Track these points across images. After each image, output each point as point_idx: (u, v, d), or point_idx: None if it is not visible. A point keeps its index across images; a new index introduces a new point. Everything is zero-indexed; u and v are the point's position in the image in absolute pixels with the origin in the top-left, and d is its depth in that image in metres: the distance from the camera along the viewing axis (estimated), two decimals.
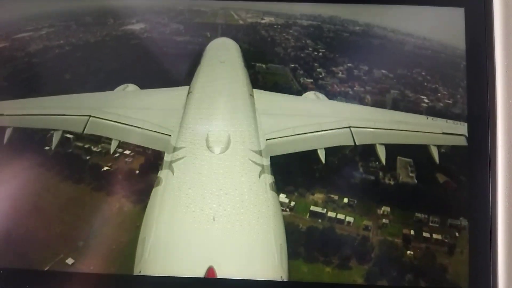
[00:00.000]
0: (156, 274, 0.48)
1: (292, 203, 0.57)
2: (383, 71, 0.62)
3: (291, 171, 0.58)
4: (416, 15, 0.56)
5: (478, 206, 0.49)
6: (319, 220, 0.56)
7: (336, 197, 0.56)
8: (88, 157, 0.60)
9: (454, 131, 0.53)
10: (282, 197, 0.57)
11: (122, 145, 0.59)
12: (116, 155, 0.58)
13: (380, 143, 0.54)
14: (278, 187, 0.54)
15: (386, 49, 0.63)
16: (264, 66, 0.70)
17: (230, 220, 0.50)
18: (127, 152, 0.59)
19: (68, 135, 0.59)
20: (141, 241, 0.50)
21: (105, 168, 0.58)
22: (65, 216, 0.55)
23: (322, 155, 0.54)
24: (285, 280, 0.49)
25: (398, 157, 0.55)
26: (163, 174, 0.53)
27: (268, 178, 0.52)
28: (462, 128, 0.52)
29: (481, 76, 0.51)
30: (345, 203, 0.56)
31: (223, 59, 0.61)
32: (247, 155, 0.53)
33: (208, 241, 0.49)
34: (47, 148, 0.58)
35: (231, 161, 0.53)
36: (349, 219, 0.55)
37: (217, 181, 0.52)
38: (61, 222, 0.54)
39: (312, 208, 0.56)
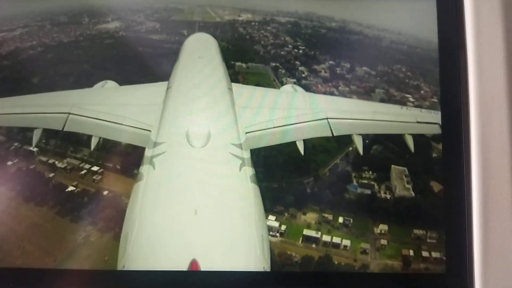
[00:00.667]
0: (140, 269, 0.49)
1: (283, 227, 0.56)
2: (365, 68, 0.62)
3: (281, 188, 0.57)
4: (390, 9, 0.57)
5: (453, 191, 0.50)
6: (313, 245, 0.54)
7: (330, 217, 0.55)
8: (52, 175, 0.57)
9: (428, 120, 0.54)
10: (272, 219, 0.56)
11: (90, 160, 0.57)
12: (83, 172, 0.57)
13: (357, 134, 0.55)
14: (266, 208, 0.53)
15: (365, 45, 0.64)
16: (244, 65, 0.69)
17: (212, 213, 0.50)
18: (95, 168, 0.57)
19: (32, 148, 0.58)
20: (124, 237, 0.50)
21: (70, 188, 0.56)
22: (27, 246, 0.52)
23: (301, 146, 0.55)
24: (267, 270, 0.49)
25: (392, 166, 0.56)
26: (144, 169, 0.53)
27: (249, 171, 0.53)
28: (435, 116, 0.53)
29: (453, 65, 0.52)
30: (340, 223, 0.55)
31: (201, 54, 0.61)
32: (227, 149, 0.54)
33: (190, 234, 0.49)
34: (9, 163, 0.56)
35: (212, 155, 0.53)
36: (346, 242, 0.54)
37: (198, 174, 0.52)
38: (22, 253, 0.51)
39: (305, 231, 0.55)
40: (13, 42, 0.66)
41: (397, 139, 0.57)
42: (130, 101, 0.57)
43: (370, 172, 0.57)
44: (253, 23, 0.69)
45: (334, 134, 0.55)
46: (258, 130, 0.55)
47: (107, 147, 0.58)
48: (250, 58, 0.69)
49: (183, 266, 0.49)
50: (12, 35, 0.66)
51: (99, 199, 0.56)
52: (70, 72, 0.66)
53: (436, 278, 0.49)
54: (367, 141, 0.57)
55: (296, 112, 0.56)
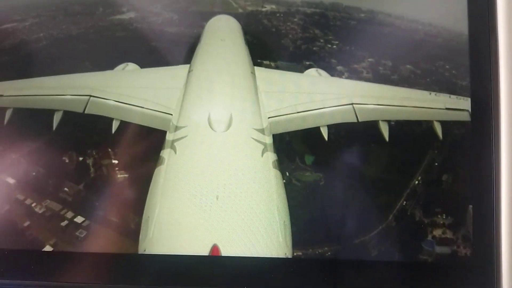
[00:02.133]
0: (161, 253, 0.49)
1: None
2: (408, 66, 0.59)
3: None
4: None
5: (482, 179, 0.49)
6: None
7: None
8: (27, 223, 0.52)
9: (457, 106, 0.52)
10: None
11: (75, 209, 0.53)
12: (64, 222, 0.53)
13: (383, 120, 0.54)
14: None
15: (399, 38, 0.60)
16: (273, 64, 0.64)
17: (234, 199, 0.50)
18: (78, 219, 0.52)
19: (10, 180, 0.54)
20: (145, 221, 0.50)
21: (47, 247, 0.50)
22: None
23: (325, 132, 0.54)
24: (289, 257, 0.49)
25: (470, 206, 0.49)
26: (165, 153, 0.53)
27: (271, 156, 0.52)
28: (465, 103, 0.51)
29: (484, 51, 0.51)
30: None
31: (223, 37, 0.60)
32: (249, 134, 0.53)
33: (212, 219, 0.49)
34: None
35: (234, 140, 0.53)
36: None
37: (220, 159, 0.52)
38: None
39: None
40: (21, 34, 0.64)
41: None
42: (151, 84, 0.56)
43: (444, 216, 0.50)
44: (277, 14, 0.66)
45: (360, 120, 0.54)
46: (281, 115, 0.55)
47: None
48: (278, 55, 0.64)
49: (204, 251, 0.49)
50: (22, 26, 0.64)
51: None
52: (67, 70, 0.61)
53: (464, 266, 0.49)
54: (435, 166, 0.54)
55: (320, 97, 0.55)
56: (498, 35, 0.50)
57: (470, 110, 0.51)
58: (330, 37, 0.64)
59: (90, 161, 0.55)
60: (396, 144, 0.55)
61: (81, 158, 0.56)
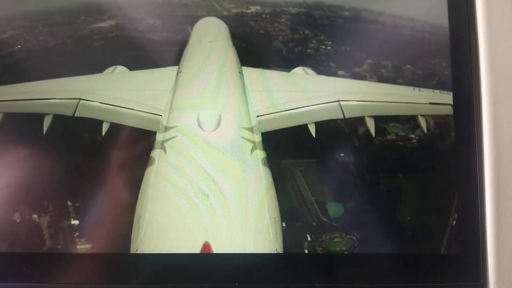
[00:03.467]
0: (153, 252, 0.49)
1: None
2: (408, 66, 0.58)
3: None
4: None
5: (466, 172, 0.50)
6: None
7: None
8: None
9: (441, 101, 0.53)
10: None
11: None
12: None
13: (369, 116, 0.55)
14: None
15: (389, 35, 0.60)
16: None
17: (224, 196, 0.51)
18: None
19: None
20: (136, 220, 0.50)
21: None
22: None
23: (312, 129, 0.55)
24: (280, 252, 0.50)
25: None
26: (155, 153, 0.53)
27: (260, 154, 0.53)
28: (448, 97, 0.53)
29: (464, 45, 0.52)
30: None
31: (211, 38, 0.61)
32: (238, 132, 0.54)
33: (202, 217, 0.50)
34: None
35: (223, 139, 0.53)
36: None
37: (210, 158, 0.52)
38: None
39: None
40: None
41: None
42: (140, 86, 0.57)
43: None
44: (263, 16, 0.63)
45: (346, 117, 0.55)
46: (269, 114, 0.55)
47: None
48: (272, 61, 0.62)
49: (196, 249, 0.49)
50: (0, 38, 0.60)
51: None
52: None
53: (450, 259, 0.49)
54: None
55: (307, 95, 0.56)
56: (478, 29, 0.52)
57: (452, 103, 0.52)
58: (321, 37, 0.62)
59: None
60: None
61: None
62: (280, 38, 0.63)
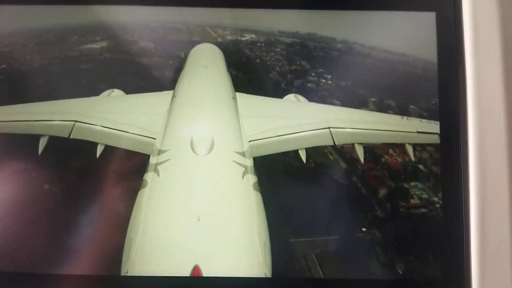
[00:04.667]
0: (143, 274, 0.49)
1: None
2: (412, 106, 0.58)
3: None
4: (387, 28, 0.57)
5: (451, 199, 0.51)
6: None
7: None
8: None
9: (428, 130, 0.54)
10: None
11: None
12: None
13: (359, 143, 0.56)
14: None
15: (386, 71, 0.59)
16: None
17: (215, 220, 0.51)
18: None
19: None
20: (128, 242, 0.50)
21: None
22: None
23: (303, 155, 0.56)
24: (269, 276, 0.50)
25: None
26: (148, 176, 0.54)
27: (251, 178, 0.54)
28: (435, 126, 0.54)
29: (452, 76, 0.53)
30: None
31: (206, 64, 0.62)
32: (230, 157, 0.54)
33: (193, 240, 0.50)
34: None
35: (215, 163, 0.54)
36: None
37: (202, 182, 0.53)
38: None
39: None
40: None
41: None
42: (135, 110, 0.58)
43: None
44: (258, 44, 0.63)
45: (336, 143, 0.56)
46: (261, 139, 0.56)
47: None
48: (272, 94, 0.62)
49: (186, 272, 0.49)
50: None
51: None
52: None
53: (434, 284, 0.50)
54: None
55: (298, 121, 0.57)
56: (466, 62, 0.53)
57: (439, 133, 0.53)
58: (320, 70, 0.61)
59: None
60: None
61: None
62: (277, 68, 0.63)
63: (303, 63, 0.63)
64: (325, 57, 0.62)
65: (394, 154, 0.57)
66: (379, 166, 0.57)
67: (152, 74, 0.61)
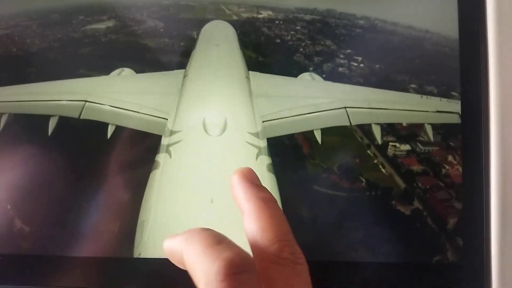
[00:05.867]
0: (156, 257, 0.49)
1: None
2: (454, 93, 0.54)
3: None
4: (407, 4, 0.56)
5: (472, 182, 0.50)
6: None
7: None
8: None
9: (448, 109, 0.53)
10: None
11: None
12: None
13: (376, 123, 0.55)
14: None
15: (417, 51, 0.56)
16: None
17: (228, 202, 0.50)
18: None
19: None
20: (140, 224, 0.50)
21: None
22: None
23: (318, 135, 0.55)
24: None
25: None
26: (160, 157, 0.53)
27: (266, 160, 0.53)
28: (455, 106, 0.52)
29: (474, 54, 0.52)
30: None
31: (218, 42, 0.60)
32: (244, 137, 0.53)
33: (206, 222, 0.49)
34: None
35: (228, 144, 0.53)
36: None
37: (215, 163, 0.52)
38: None
39: None
40: None
41: None
42: (146, 89, 0.57)
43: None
44: (276, 22, 0.59)
45: (352, 124, 0.55)
46: (275, 119, 0.55)
47: None
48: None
49: None
50: None
51: None
52: None
53: (451, 268, 0.49)
54: None
55: (313, 101, 0.56)
56: (488, 39, 0.51)
57: (460, 112, 0.52)
58: (348, 51, 0.57)
59: None
60: None
61: None
62: (301, 49, 0.59)
63: (328, 42, 0.59)
64: (349, 35, 0.58)
65: (455, 162, 0.52)
66: (443, 184, 0.52)
67: (160, 59, 0.58)
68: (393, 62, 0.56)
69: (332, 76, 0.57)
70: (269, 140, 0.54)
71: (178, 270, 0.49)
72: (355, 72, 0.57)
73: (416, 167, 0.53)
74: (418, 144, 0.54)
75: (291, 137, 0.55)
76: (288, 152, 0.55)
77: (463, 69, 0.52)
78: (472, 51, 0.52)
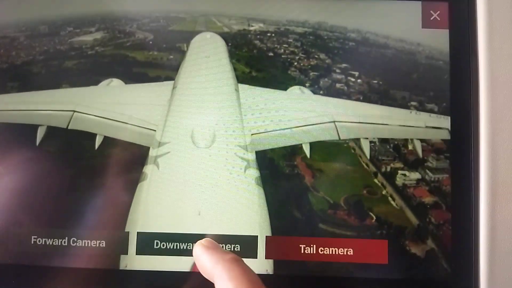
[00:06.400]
0: (142, 269, 0.49)
1: None
2: None
3: None
4: (399, 17, 0.55)
5: (461, 198, 0.50)
6: None
7: None
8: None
9: (437, 125, 0.53)
10: None
11: None
12: None
13: (364, 138, 0.54)
14: None
15: (411, 65, 0.55)
16: None
17: (216, 215, 0.50)
18: None
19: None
20: (126, 236, 0.50)
21: None
22: None
23: (307, 149, 0.54)
24: (270, 273, 0.49)
25: None
26: (148, 169, 0.53)
27: (254, 173, 0.52)
28: (445, 121, 0.52)
29: (465, 69, 0.52)
30: None
31: (208, 54, 0.60)
32: (232, 150, 0.53)
33: (193, 235, 0.50)
34: None
35: (217, 156, 0.53)
36: None
37: (203, 175, 0.52)
38: None
39: None
40: None
41: None
42: (135, 100, 0.56)
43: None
44: (268, 34, 0.58)
45: (341, 138, 0.55)
46: (264, 132, 0.55)
47: None
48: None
49: (186, 267, 0.49)
50: None
51: None
52: None
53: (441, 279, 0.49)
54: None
55: (302, 115, 0.55)
56: (479, 54, 0.51)
57: (449, 128, 0.52)
58: (344, 65, 0.56)
59: None
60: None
61: None
62: (295, 63, 0.58)
63: (322, 56, 0.58)
64: (343, 48, 0.57)
65: None
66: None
67: (148, 72, 0.58)
68: (391, 78, 0.56)
69: (329, 92, 0.56)
70: (267, 169, 0.53)
71: (164, 283, 0.49)
72: (353, 88, 0.56)
73: (428, 199, 0.52)
74: (428, 171, 0.53)
75: (292, 165, 0.54)
76: (289, 183, 0.53)
77: (453, 84, 0.52)
78: (462, 66, 0.52)
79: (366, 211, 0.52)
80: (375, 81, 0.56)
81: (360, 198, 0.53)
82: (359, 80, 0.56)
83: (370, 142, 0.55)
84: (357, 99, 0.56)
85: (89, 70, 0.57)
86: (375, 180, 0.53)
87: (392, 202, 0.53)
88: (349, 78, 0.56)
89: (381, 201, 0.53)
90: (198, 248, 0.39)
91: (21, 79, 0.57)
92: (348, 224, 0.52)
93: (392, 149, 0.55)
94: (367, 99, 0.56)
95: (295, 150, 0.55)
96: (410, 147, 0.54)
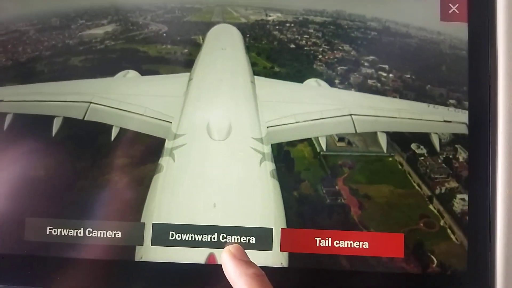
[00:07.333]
0: (158, 260, 0.49)
1: None
2: None
3: None
4: (416, 6, 0.55)
5: (478, 194, 0.49)
6: None
7: None
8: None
9: (455, 119, 0.52)
10: None
11: None
12: None
13: (381, 131, 0.54)
14: None
15: (438, 56, 0.54)
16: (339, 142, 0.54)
17: (231, 207, 0.50)
18: None
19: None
20: (142, 227, 0.50)
21: None
22: None
23: (323, 142, 0.54)
24: (285, 266, 0.49)
25: None
26: (164, 161, 0.53)
27: (269, 166, 0.52)
28: (463, 115, 0.52)
29: (483, 63, 0.51)
30: None
31: (224, 45, 0.60)
32: (248, 143, 0.53)
33: (208, 227, 0.49)
34: None
35: (232, 148, 0.53)
36: None
37: (218, 168, 0.52)
38: None
39: None
40: None
41: None
42: (151, 92, 0.56)
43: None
44: (287, 24, 0.56)
45: (358, 131, 0.54)
46: (280, 125, 0.55)
47: None
48: None
49: (201, 259, 0.49)
50: None
51: None
52: None
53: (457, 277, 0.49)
54: None
55: (319, 108, 0.55)
56: (498, 48, 0.51)
57: (467, 122, 0.51)
58: (371, 57, 0.54)
59: None
60: None
61: None
62: (319, 56, 0.56)
63: (346, 47, 0.55)
64: (365, 38, 0.55)
65: None
66: None
67: (159, 69, 0.57)
68: (421, 70, 0.54)
69: (362, 90, 0.54)
70: (304, 197, 0.51)
71: (179, 275, 0.49)
72: (385, 84, 0.53)
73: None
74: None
75: (334, 192, 0.49)
76: (334, 217, 0.48)
77: (472, 79, 0.52)
78: (481, 60, 0.51)
79: (427, 254, 0.48)
80: (408, 76, 0.53)
81: (418, 235, 0.47)
82: (391, 75, 0.54)
83: (419, 155, 0.52)
84: (394, 97, 0.54)
85: (96, 67, 0.57)
86: (431, 207, 0.49)
87: (452, 237, 0.49)
88: (380, 72, 0.54)
89: (441, 236, 0.48)
90: (225, 255, 0.40)
91: (25, 76, 0.56)
92: (408, 273, 0.46)
93: (443, 162, 0.51)
94: (404, 97, 0.54)
95: (335, 170, 0.51)
96: (460, 158, 0.51)
